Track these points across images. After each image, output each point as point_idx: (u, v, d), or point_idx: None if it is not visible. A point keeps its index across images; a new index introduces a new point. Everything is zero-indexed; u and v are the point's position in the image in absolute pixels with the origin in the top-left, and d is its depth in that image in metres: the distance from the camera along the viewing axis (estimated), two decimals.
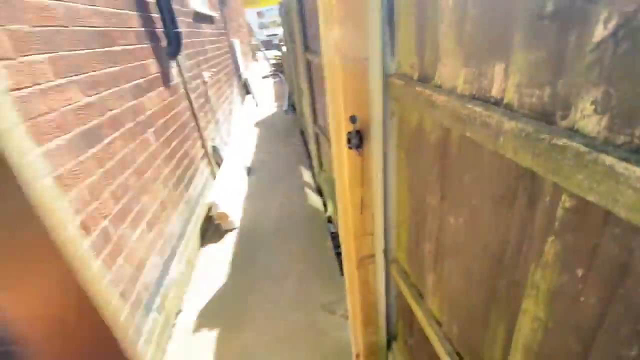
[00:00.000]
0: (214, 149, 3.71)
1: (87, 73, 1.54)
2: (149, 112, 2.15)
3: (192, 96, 3.12)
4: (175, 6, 2.66)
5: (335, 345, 1.81)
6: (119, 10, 1.94)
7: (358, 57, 0.89)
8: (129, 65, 1.97)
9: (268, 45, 17.08)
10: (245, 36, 10.45)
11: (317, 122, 3.20)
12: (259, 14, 25.19)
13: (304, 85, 3.19)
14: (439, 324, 0.95)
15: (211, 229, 3.03)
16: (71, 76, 1.42)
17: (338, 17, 0.84)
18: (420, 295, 1.05)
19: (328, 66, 1.00)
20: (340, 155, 1.06)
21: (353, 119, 0.96)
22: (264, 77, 11.85)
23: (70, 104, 1.39)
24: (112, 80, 1.76)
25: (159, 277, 1.96)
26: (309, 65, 2.97)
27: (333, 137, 1.09)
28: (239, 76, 7.10)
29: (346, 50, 0.88)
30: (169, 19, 2.43)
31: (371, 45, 0.88)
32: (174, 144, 2.52)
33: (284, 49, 9.85)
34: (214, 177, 3.51)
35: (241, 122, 5.23)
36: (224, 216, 2.89)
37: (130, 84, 1.95)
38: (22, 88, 1.15)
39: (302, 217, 3.10)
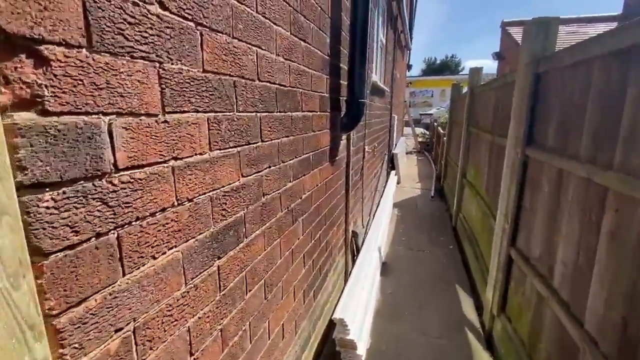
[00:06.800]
0: (354, 234, 3.04)
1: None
2: (305, 196, 1.62)
3: (351, 173, 2.60)
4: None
5: None
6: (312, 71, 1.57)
7: None
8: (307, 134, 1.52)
9: (416, 122, 17.05)
10: (400, 113, 10.45)
11: (516, 245, 2.12)
12: (412, 94, 26.28)
13: (506, 186, 2.23)
14: None
15: (324, 355, 2.19)
16: None
17: None
18: None
19: None
20: None
21: None
22: (407, 153, 11.38)
23: None
24: None
25: None
26: (525, 164, 2.02)
27: None
28: (389, 151, 6.70)
29: None
30: (358, 87, 2.01)
31: None
32: (319, 233, 1.93)
33: (440, 130, 9.18)
34: (346, 272, 2.78)
35: (384, 202, 4.54)
36: (350, 345, 2.04)
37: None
38: None
39: None
